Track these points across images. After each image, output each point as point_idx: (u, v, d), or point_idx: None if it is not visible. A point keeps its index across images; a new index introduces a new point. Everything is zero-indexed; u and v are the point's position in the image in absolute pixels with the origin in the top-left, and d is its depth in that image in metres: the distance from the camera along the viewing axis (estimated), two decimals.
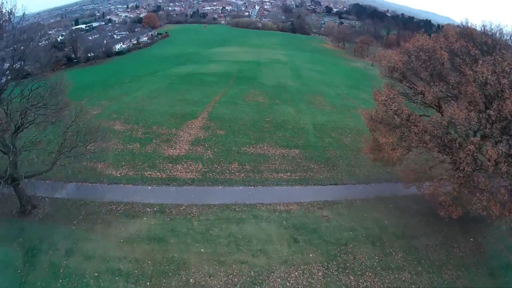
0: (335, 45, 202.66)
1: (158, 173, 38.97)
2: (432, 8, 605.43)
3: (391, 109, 31.35)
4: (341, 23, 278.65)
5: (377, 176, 42.76)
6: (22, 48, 30.21)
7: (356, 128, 57.33)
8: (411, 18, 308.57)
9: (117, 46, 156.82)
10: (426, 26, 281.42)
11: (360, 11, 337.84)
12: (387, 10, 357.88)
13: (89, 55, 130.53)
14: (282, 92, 77.12)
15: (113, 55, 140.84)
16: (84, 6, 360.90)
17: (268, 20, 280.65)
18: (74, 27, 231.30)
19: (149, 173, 38.93)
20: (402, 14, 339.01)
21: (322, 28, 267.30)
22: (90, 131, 31.93)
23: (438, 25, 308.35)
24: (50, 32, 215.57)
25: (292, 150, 46.94)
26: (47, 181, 34.90)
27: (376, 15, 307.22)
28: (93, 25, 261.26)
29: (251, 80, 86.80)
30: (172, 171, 39.63)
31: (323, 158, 45.84)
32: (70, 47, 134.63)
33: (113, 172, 38.83)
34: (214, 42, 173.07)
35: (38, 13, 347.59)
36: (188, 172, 39.49)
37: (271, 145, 47.67)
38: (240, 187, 37.96)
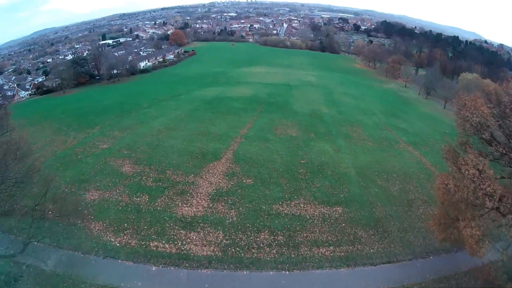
0: (365, 64, 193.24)
1: (167, 246, 30.57)
2: (457, 23, 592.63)
3: (481, 189, 22.36)
4: (371, 41, 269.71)
5: (434, 245, 33.52)
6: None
7: (403, 171, 48.81)
8: (439, 35, 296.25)
9: (142, 64, 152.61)
10: (454, 42, 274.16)
11: (389, 29, 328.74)
12: (415, 27, 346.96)
13: (112, 72, 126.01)
14: (317, 122, 68.63)
15: (137, 73, 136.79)
16: (112, 21, 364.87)
17: (296, 39, 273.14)
18: (101, 42, 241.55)
19: (155, 244, 30.64)
20: (430, 30, 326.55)
21: (352, 47, 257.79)
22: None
23: (466, 41, 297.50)
24: (77, 46, 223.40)
25: (334, 208, 37.88)
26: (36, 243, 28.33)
27: (405, 32, 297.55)
28: (120, 40, 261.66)
29: (282, 106, 78.85)
30: (184, 242, 31.09)
31: (371, 219, 36.71)
32: (93, 63, 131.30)
33: (112, 239, 31.00)
34: (242, 61, 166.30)
35: (66, 27, 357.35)
36: (205, 246, 30.79)
37: (308, 201, 38.69)
38: (271, 272, 28.84)
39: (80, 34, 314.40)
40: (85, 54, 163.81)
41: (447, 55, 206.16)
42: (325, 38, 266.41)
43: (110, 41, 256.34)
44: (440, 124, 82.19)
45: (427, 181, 45.31)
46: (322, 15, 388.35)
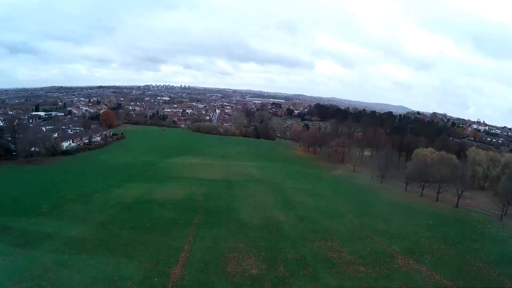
0: (305, 150, 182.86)
1: None
2: (383, 100, 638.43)
3: None
4: (306, 125, 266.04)
5: None
6: None
7: None
8: (373, 112, 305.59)
9: (65, 144, 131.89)
10: (389, 117, 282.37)
11: (323, 112, 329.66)
12: (348, 108, 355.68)
13: (31, 149, 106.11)
14: (278, 241, 52.01)
15: (58, 154, 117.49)
16: (49, 93, 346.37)
17: (230, 125, 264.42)
18: (33, 113, 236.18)
19: None
20: (364, 109, 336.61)
21: (288, 132, 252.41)
22: None
23: (400, 115, 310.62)
24: (11, 113, 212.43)
25: None
26: None
27: (340, 113, 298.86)
28: (53, 114, 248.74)
29: (226, 215, 62.08)
30: None
31: None
32: (9, 136, 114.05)
33: None
34: (173, 149, 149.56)
35: (5, 90, 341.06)
36: None
37: None
38: None
39: (17, 101, 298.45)
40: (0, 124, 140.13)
41: (385, 132, 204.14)
42: (259, 124, 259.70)
43: (42, 113, 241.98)
44: (416, 214, 73.56)
45: None
46: (254, 101, 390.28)
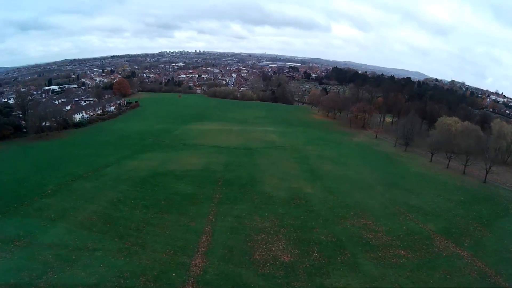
0: (324, 115, 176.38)
1: None
2: (400, 65, 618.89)
3: None
4: (325, 89, 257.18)
5: None
6: None
7: None
8: (392, 78, 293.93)
9: (78, 116, 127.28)
10: (408, 83, 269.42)
11: (341, 76, 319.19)
12: (366, 72, 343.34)
13: (43, 124, 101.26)
14: (308, 218, 46.39)
15: (70, 127, 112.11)
16: (62, 66, 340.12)
17: (246, 89, 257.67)
18: (46, 87, 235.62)
19: None
20: (382, 74, 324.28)
21: (306, 96, 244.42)
22: None
23: (419, 81, 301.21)
24: (23, 89, 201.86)
25: None
26: None
27: (358, 78, 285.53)
28: (66, 87, 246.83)
29: (249, 188, 56.48)
30: None
31: None
32: (19, 112, 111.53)
33: None
34: (189, 116, 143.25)
35: (18, 68, 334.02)
36: None
37: None
38: None
39: (29, 77, 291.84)
40: (10, 101, 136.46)
41: (405, 98, 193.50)
42: (276, 88, 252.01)
43: (55, 87, 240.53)
44: (446, 188, 67.19)
45: None
46: (270, 65, 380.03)
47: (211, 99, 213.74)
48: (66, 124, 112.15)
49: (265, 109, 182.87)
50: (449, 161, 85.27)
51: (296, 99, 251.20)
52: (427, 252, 40.11)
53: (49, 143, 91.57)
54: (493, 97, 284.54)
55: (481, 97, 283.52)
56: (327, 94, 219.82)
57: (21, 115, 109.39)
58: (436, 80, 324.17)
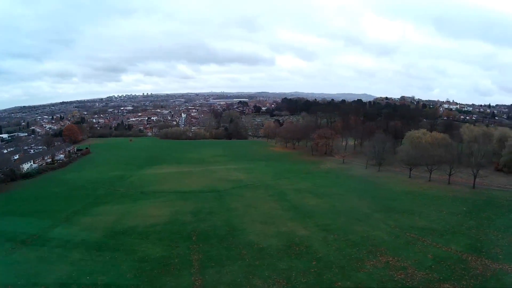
0: (283, 146, 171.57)
1: None
2: (346, 89, 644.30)
3: None
4: (278, 120, 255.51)
5: None
6: None
7: None
8: (343, 101, 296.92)
9: (26, 166, 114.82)
10: (359, 105, 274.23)
11: (291, 106, 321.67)
12: (315, 99, 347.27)
13: None
14: (321, 269, 37.44)
15: (18, 179, 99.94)
16: (12, 114, 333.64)
17: (198, 128, 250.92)
18: None
19: None
20: (332, 99, 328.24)
21: (260, 130, 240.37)
22: None
23: (369, 102, 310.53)
24: None
25: None
26: None
27: (309, 105, 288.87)
28: (16, 135, 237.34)
29: (230, 238, 47.34)
30: None
31: None
32: None
33: None
34: (143, 160, 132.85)
35: None
36: None
37: None
38: None
39: None
40: None
41: (361, 120, 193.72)
42: (229, 124, 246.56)
43: (5, 135, 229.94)
44: (442, 202, 65.61)
45: None
46: (218, 102, 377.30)
47: (164, 140, 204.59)
48: (14, 175, 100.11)
49: (221, 146, 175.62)
50: (431, 173, 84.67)
51: (250, 133, 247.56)
52: (471, 277, 34.98)
53: None
54: (446, 105, 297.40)
55: (433, 107, 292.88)
56: (281, 125, 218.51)
57: None
58: (386, 98, 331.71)
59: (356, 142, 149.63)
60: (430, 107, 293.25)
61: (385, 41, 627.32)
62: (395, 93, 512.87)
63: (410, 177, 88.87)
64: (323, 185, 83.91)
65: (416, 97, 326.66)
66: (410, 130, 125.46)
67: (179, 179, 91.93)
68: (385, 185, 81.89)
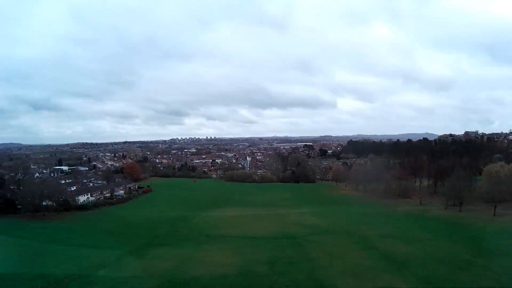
0: (353, 189, 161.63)
1: None
2: (407, 129, 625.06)
3: None
4: (345, 163, 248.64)
5: None
6: None
7: None
8: (409, 141, 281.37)
9: (83, 198, 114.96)
10: (426, 144, 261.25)
11: (357, 148, 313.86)
12: (380, 141, 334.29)
13: (41, 203, 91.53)
14: None
15: (72, 209, 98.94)
16: (74, 149, 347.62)
17: (264, 171, 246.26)
18: (56, 167, 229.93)
19: None
20: (398, 140, 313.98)
21: (329, 173, 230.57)
22: None
23: (435, 140, 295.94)
24: (33, 167, 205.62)
25: None
26: None
27: (375, 147, 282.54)
28: (76, 168, 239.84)
29: None
30: None
31: None
32: (12, 187, 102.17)
33: None
34: (208, 201, 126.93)
35: (31, 146, 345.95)
36: None
37: None
38: None
39: (41, 156, 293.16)
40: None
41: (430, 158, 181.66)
42: (296, 167, 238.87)
43: (65, 167, 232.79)
44: None
45: None
46: (283, 146, 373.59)
47: (228, 183, 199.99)
48: (67, 205, 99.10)
49: (288, 189, 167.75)
50: None
51: (318, 176, 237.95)
52: None
53: (40, 225, 76.67)
54: (510, 137, 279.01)
55: (497, 140, 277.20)
56: (350, 167, 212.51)
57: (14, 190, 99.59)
58: (451, 135, 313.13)
59: (429, 182, 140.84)
60: (495, 140, 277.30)
61: (441, 75, 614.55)
62: (456, 130, 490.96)
63: (494, 215, 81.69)
64: (407, 229, 75.02)
65: (480, 131, 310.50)
66: (487, 164, 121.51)
67: (248, 223, 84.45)
68: (473, 226, 75.18)
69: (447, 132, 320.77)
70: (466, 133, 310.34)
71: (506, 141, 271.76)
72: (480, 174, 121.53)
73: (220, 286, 41.10)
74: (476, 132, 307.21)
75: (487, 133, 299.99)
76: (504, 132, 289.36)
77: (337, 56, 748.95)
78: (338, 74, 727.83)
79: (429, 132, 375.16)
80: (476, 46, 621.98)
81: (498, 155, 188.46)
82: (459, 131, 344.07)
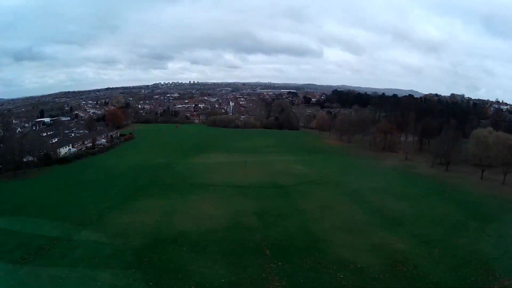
0: (337, 139, 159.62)
1: None
2: (392, 85, 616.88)
3: None
4: (330, 112, 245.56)
5: None
6: None
7: None
8: (395, 96, 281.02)
9: (64, 150, 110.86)
10: (412, 100, 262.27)
11: (342, 98, 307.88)
12: (365, 93, 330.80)
13: (21, 159, 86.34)
14: None
15: (52, 163, 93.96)
16: (56, 99, 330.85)
17: (247, 117, 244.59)
18: (38, 119, 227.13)
19: None
20: (383, 94, 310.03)
21: (313, 121, 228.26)
22: None
23: (421, 98, 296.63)
24: (15, 121, 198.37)
25: None
26: None
27: (360, 99, 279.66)
28: (58, 119, 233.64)
29: (314, 253, 36.33)
30: None
31: None
32: None
33: None
34: (191, 147, 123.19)
35: (13, 99, 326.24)
36: None
37: None
38: None
39: (23, 109, 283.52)
40: None
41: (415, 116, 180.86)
42: (280, 113, 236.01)
43: (47, 119, 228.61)
44: None
45: None
46: (267, 92, 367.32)
47: (211, 128, 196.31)
48: (49, 159, 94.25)
49: (272, 136, 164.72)
50: (505, 176, 76.73)
51: (302, 124, 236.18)
52: None
53: (18, 184, 72.16)
54: (495, 105, 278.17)
55: (483, 107, 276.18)
56: (334, 117, 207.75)
57: None
58: (436, 95, 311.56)
59: (415, 139, 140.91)
60: (481, 106, 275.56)
61: (432, 38, 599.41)
62: (443, 91, 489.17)
63: (482, 179, 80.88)
64: (396, 185, 73.01)
65: (466, 96, 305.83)
66: (475, 129, 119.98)
67: (233, 170, 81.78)
68: (462, 188, 72.80)
69: (433, 92, 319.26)
70: (452, 95, 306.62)
71: (492, 109, 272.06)
72: (467, 138, 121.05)
73: (210, 242, 38.79)
74: (462, 96, 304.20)
75: (473, 98, 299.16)
76: (491, 100, 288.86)
77: (329, 7, 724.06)
78: (328, 24, 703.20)
79: (414, 90, 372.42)
80: (472, 14, 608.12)
81: (484, 121, 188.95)
82: (445, 92, 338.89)
